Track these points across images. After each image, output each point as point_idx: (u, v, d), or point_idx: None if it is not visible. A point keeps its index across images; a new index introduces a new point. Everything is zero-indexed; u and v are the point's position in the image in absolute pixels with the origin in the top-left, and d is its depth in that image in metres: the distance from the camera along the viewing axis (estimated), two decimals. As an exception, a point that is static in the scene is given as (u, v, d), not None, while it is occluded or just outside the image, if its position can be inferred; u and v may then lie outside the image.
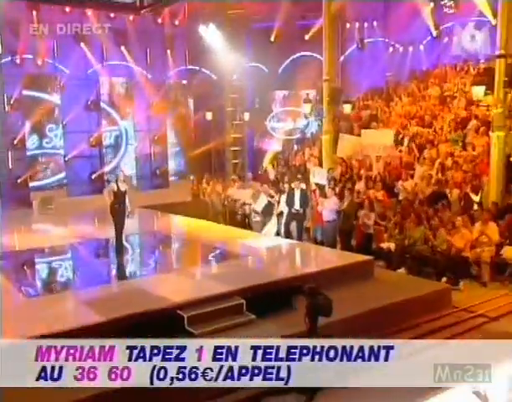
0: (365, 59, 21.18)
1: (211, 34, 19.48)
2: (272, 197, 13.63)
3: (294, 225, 12.84)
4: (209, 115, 19.99)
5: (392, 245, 11.03)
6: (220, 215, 15.21)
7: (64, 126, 18.36)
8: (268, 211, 13.47)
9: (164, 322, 7.00)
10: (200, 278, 9.63)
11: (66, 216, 15.18)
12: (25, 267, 10.96)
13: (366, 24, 21.51)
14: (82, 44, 17.89)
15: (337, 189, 13.49)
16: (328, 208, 12.03)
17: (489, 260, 10.00)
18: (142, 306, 7.48)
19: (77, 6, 17.01)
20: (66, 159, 18.49)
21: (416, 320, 8.30)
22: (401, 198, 12.97)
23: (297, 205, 12.55)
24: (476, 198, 11.76)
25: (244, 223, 14.32)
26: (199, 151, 20.15)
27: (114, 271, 10.64)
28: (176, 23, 19.56)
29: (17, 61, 17.28)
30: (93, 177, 18.86)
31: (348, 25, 21.23)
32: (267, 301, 7.80)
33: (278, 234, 13.23)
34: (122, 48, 18.85)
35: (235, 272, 9.55)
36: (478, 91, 13.55)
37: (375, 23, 21.51)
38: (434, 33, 19.45)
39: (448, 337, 7.73)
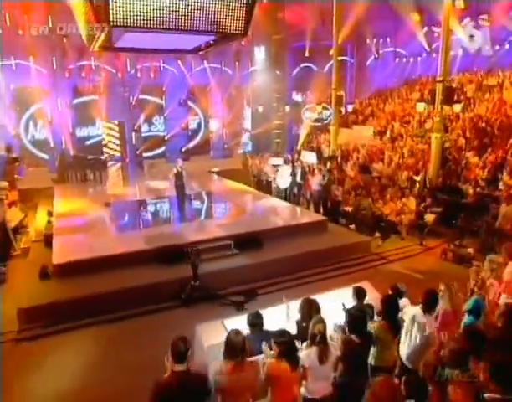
0: (378, 67, 21.59)
1: (262, 52, 20.52)
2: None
3: (296, 189, 13.81)
4: (260, 108, 21.01)
5: (349, 209, 11.76)
6: (254, 180, 15.97)
7: (165, 117, 19.85)
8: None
9: (181, 252, 8.24)
10: (210, 226, 10.30)
11: (160, 177, 15.67)
12: (120, 211, 12.18)
13: (381, 40, 21.80)
14: (179, 62, 19.28)
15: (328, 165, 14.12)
16: (315, 182, 12.60)
17: (407, 222, 10.65)
18: (170, 241, 8.96)
19: (153, 53, 17.83)
20: (165, 138, 20.00)
21: (344, 258, 9.37)
22: (374, 175, 14.14)
23: (298, 178, 13.62)
24: (417, 178, 12.34)
25: (267, 186, 14.81)
26: (254, 132, 21.21)
27: (164, 219, 11.73)
28: (243, 43, 19.79)
29: (138, 74, 18.85)
30: (183, 149, 20.17)
31: (368, 40, 21.69)
32: (245, 242, 9.15)
33: (285, 193, 13.78)
34: (205, 62, 19.70)
35: (231, 223, 10.37)
36: (420, 106, 14.15)
37: (388, 39, 21.77)
38: (428, 50, 19.40)
39: (354, 270, 8.88)
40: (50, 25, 16.26)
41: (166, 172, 17.73)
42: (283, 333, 3.73)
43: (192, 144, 20.68)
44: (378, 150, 14.86)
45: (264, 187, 14.92)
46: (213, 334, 5.02)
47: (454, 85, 14.30)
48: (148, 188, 14.91)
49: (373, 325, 4.19)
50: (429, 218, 10.73)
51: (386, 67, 21.08)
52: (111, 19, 5.55)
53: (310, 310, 4.73)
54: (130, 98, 18.99)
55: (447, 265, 9.23)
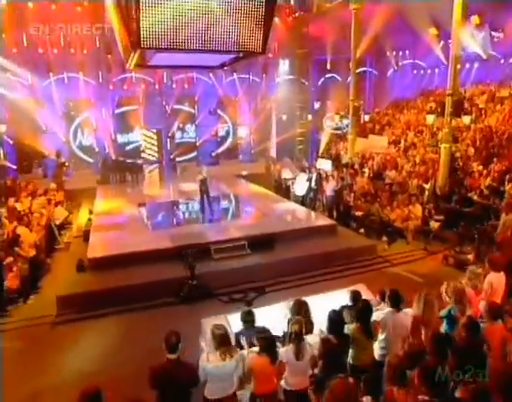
0: (396, 78, 21.24)
1: (287, 65, 20.62)
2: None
3: (311, 195, 13.59)
4: (284, 117, 20.97)
5: (360, 214, 11.62)
6: (275, 184, 15.80)
7: (196, 125, 20.20)
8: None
9: (200, 250, 8.60)
10: (228, 227, 10.47)
11: (191, 179, 15.10)
12: (151, 211, 12.50)
13: (400, 52, 21.44)
14: (210, 74, 19.15)
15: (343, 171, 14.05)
16: (328, 188, 12.63)
17: (413, 228, 10.50)
18: (192, 241, 9.15)
19: (183, 68, 16.42)
20: (197, 144, 20.35)
21: (350, 260, 9.34)
22: (386, 182, 13.97)
23: (313, 184, 13.51)
24: (426, 186, 12.13)
25: (287, 190, 14.73)
26: (278, 139, 20.97)
27: (188, 219, 11.88)
28: (270, 55, 19.72)
29: (174, 86, 19.29)
30: (213, 154, 20.42)
31: (388, 53, 21.38)
32: (258, 243, 9.30)
33: (303, 198, 13.61)
34: (234, 74, 19.87)
35: (247, 225, 10.57)
36: (429, 118, 13.83)
37: (407, 52, 21.38)
38: (445, 62, 18.85)
39: (358, 272, 8.84)
40: (98, 45, 17.21)
41: (196, 175, 18.43)
42: (264, 331, 3.95)
43: (221, 149, 20.97)
44: (391, 158, 14.68)
45: (284, 191, 14.97)
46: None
47: (466, 96, 13.93)
48: (179, 190, 15.28)
49: (350, 327, 4.32)
50: (434, 224, 10.59)
51: (404, 78, 20.72)
52: (142, 43, 6.02)
53: (300, 310, 4.93)
54: (166, 107, 19.47)
55: (447, 269, 9.09)
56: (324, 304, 5.05)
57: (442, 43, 18.27)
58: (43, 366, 6.14)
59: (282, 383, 4.12)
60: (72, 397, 3.38)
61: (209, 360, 3.73)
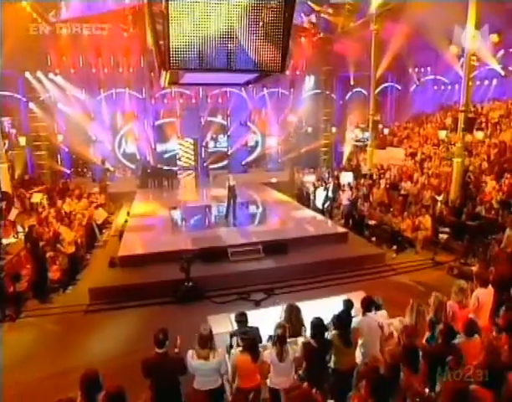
0: (417, 93, 20.60)
1: (313, 80, 20.45)
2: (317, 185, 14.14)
3: (329, 203, 13.46)
4: (309, 129, 20.90)
5: (373, 223, 11.39)
6: (297, 192, 15.90)
7: (228, 135, 20.46)
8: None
9: (219, 253, 8.99)
10: (246, 232, 10.47)
11: (221, 186, 15.18)
12: (180, 215, 12.88)
13: (422, 69, 20.77)
14: (242, 89, 18.99)
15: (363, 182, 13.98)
16: (344, 197, 12.54)
17: (422, 238, 10.17)
18: (212, 243, 9.41)
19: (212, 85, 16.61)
20: (228, 153, 20.60)
21: (358, 267, 9.14)
22: (401, 193, 13.58)
23: (330, 193, 13.44)
24: (439, 198, 11.77)
25: (307, 198, 14.72)
26: (303, 150, 20.93)
27: (212, 223, 11.95)
28: (298, 72, 19.99)
29: (209, 101, 19.59)
30: (243, 163, 20.67)
31: (410, 69, 20.79)
32: (272, 248, 9.33)
33: (322, 206, 13.48)
34: (264, 89, 20.00)
35: (265, 230, 10.54)
36: (441, 134, 13.28)
37: (428, 68, 20.65)
38: None
39: (364, 279, 8.56)
40: (142, 64, 17.93)
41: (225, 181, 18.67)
42: (246, 332, 4.03)
43: (250, 158, 21.13)
44: (407, 170, 14.29)
45: (305, 198, 14.94)
46: (221, 325, 5.37)
47: (483, 112, 13.28)
48: (210, 195, 15.55)
49: (331, 333, 4.31)
50: (443, 235, 10.23)
51: (425, 94, 19.99)
52: (172, 65, 6.41)
53: (291, 314, 4.98)
54: (202, 119, 19.87)
55: (451, 280, 8.61)
56: (323, 309, 4.99)
57: (462, 60, 17.49)
58: (73, 348, 6.52)
59: (268, 381, 4.18)
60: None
61: (193, 358, 3.86)
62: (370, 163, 15.96)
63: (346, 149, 20.15)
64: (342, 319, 4.26)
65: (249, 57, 8.22)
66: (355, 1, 16.98)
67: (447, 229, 9.84)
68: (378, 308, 5.15)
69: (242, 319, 4.79)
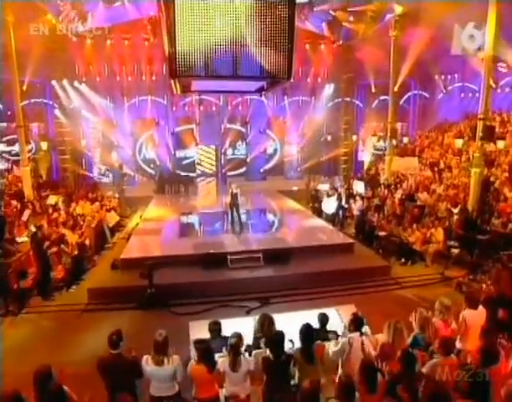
0: (443, 101, 19.82)
1: (333, 88, 20.20)
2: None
3: (341, 213, 13.10)
4: (329, 137, 20.60)
5: (383, 234, 10.99)
6: (310, 200, 15.61)
7: (247, 143, 20.49)
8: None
9: (219, 259, 9.00)
10: (248, 239, 10.49)
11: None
12: (188, 220, 13.03)
13: (449, 76, 19.99)
14: (262, 97, 19.78)
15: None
16: (356, 208, 12.42)
17: (432, 251, 9.78)
18: (213, 249, 9.41)
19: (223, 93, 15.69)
20: (247, 160, 20.65)
21: (361, 279, 8.83)
22: (418, 204, 13.05)
23: (343, 202, 13.14)
24: (455, 211, 11.14)
25: (320, 206, 14.11)
26: (323, 158, 20.69)
27: (214, 230, 11.99)
28: (319, 80, 19.95)
29: (229, 108, 19.81)
30: (261, 170, 20.63)
31: (436, 76, 20.05)
32: (273, 257, 9.23)
33: (333, 216, 13.14)
34: (285, 97, 19.97)
35: (267, 238, 10.49)
36: (458, 143, 12.60)
37: (456, 75, 19.85)
38: (493, 85, 17.14)
39: (365, 292, 8.26)
40: (164, 72, 18.40)
41: (243, 188, 18.61)
42: (200, 341, 3.96)
43: (268, 166, 21.05)
44: (425, 180, 13.73)
45: (317, 207, 14.65)
46: (201, 331, 5.21)
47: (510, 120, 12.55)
48: (224, 202, 15.35)
49: (293, 349, 4.16)
50: (455, 249, 9.72)
51: (451, 101, 19.18)
52: (178, 72, 6.60)
53: (263, 324, 4.88)
54: (222, 126, 20.05)
55: (458, 297, 8.19)
56: (311, 321, 4.66)
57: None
58: (67, 344, 6.74)
59: (223, 390, 4.10)
60: (82, 373, 4.11)
61: (148, 362, 3.85)
62: (388, 173, 15.47)
63: (366, 158, 19.64)
64: (305, 334, 4.10)
65: (255, 64, 8.19)
66: (380, 3, 16.61)
67: (453, 243, 9.30)
68: (362, 323, 4.98)
69: (214, 328, 4.72)
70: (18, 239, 9.64)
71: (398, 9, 14.61)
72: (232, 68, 7.73)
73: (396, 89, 18.31)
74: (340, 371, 4.17)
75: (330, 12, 17.43)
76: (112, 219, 12.07)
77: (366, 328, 4.89)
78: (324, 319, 4.95)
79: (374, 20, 17.55)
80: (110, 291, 8.25)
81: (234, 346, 3.88)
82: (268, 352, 4.02)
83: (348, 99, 20.27)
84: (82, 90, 17.42)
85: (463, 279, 8.57)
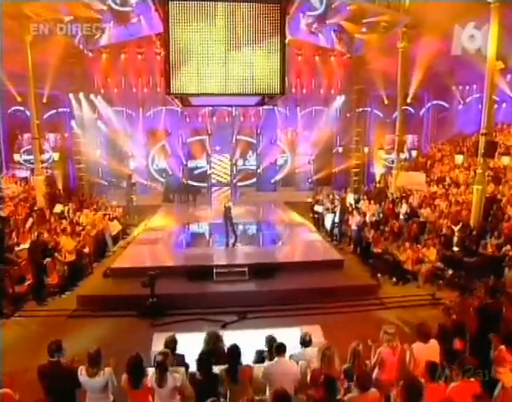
0: (459, 113, 19.20)
1: (346, 100, 20.05)
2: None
3: (336, 228, 12.95)
4: (340, 149, 20.48)
5: (378, 251, 10.75)
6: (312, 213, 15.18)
7: (258, 153, 20.63)
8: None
9: (205, 272, 9.14)
10: (237, 253, 10.57)
11: (245, 203, 16.93)
12: (186, 231, 13.16)
13: (467, 87, 19.36)
14: (275, 108, 19.68)
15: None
16: (353, 223, 12.12)
17: (424, 271, 9.55)
18: (201, 262, 9.62)
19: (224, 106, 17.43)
20: (258, 171, 20.78)
21: (345, 298, 8.66)
22: (420, 220, 12.71)
23: (336, 218, 12.86)
24: (456, 228, 10.78)
25: (319, 220, 14.26)
26: (335, 170, 20.63)
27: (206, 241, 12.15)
28: (332, 91, 19.82)
29: (241, 119, 19.87)
30: (272, 181, 20.65)
31: (454, 87, 19.49)
32: (258, 271, 9.31)
33: (331, 230, 13.10)
34: (298, 109, 19.99)
35: (256, 252, 10.53)
36: (458, 158, 12.12)
37: (474, 86, 19.18)
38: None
39: (346, 311, 8.12)
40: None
41: (252, 199, 18.87)
42: (131, 358, 4.11)
43: (278, 177, 21.08)
44: (429, 195, 13.37)
45: (316, 220, 14.61)
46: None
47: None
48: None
49: (220, 369, 4.25)
50: (448, 272, 9.43)
51: (468, 113, 18.52)
52: (171, 90, 7.14)
53: (210, 341, 4.99)
54: (234, 137, 20.34)
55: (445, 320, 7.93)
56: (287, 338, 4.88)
57: (509, 76, 16.12)
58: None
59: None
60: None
61: (82, 373, 4.07)
62: (394, 186, 15.16)
63: (377, 170, 19.32)
64: (231, 354, 4.19)
65: (245, 81, 8.53)
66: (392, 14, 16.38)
67: (439, 264, 9.01)
68: (306, 345, 4.99)
69: (171, 345, 4.76)
70: (21, 246, 10.22)
71: (407, 19, 14.40)
72: (224, 85, 8.07)
73: (409, 100, 18.16)
74: (267, 393, 4.21)
75: (341, 23, 17.39)
76: (115, 227, 12.56)
77: (313, 350, 4.90)
78: (272, 340, 4.96)
79: (387, 30, 17.37)
80: (98, 299, 8.62)
81: (160, 363, 4.02)
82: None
83: (360, 110, 20.03)
84: (97, 102, 18.28)
85: (451, 302, 8.25)
